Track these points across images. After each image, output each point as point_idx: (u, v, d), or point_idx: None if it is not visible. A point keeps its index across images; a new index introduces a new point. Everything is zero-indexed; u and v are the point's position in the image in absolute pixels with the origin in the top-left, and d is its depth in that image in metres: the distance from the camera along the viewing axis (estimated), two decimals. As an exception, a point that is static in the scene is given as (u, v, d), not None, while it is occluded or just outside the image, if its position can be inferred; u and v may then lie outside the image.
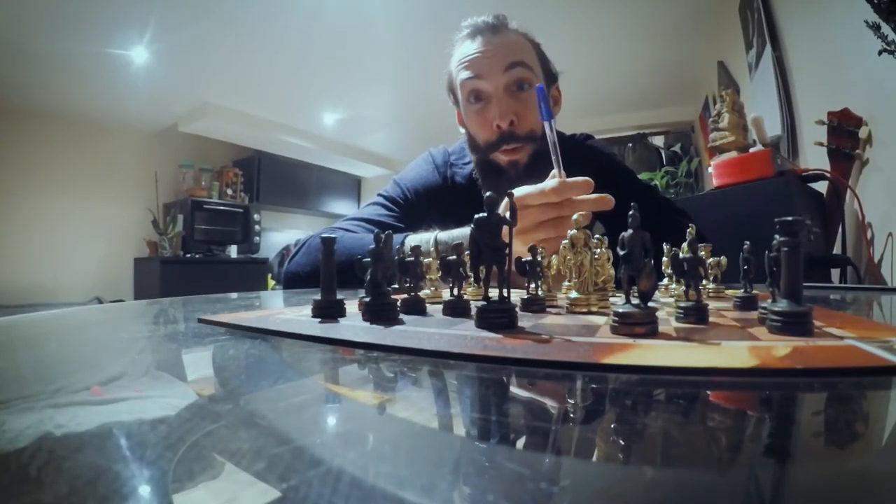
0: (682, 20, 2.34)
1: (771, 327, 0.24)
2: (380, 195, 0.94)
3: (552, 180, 0.58)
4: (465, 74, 0.79)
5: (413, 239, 0.69)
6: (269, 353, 0.26)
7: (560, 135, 0.92)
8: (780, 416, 0.16)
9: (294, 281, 0.82)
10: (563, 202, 0.57)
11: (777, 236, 0.25)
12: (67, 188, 3.21)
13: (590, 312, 0.34)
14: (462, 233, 0.66)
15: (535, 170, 0.77)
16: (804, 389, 0.18)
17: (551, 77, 0.86)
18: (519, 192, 0.58)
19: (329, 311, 0.33)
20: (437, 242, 0.67)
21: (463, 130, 0.88)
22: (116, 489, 0.10)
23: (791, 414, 0.16)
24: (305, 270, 0.80)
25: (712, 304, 0.36)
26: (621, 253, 0.27)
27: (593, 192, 0.61)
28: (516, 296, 0.33)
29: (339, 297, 0.34)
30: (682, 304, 0.29)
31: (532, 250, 0.39)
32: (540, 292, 0.39)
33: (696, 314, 0.28)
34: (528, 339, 0.24)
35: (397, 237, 0.66)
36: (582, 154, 0.92)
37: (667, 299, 0.44)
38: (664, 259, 0.46)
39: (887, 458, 0.12)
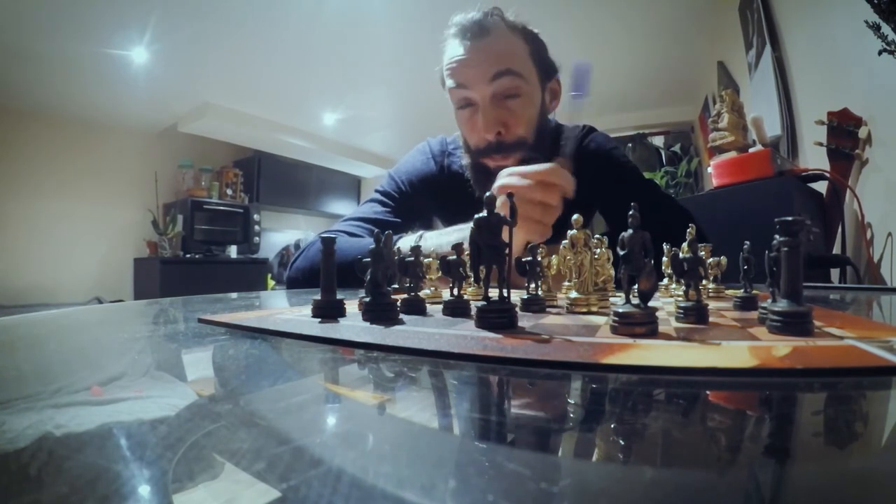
0: (682, 20, 2.34)
1: (771, 327, 0.24)
2: (376, 191, 0.94)
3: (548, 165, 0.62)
4: (451, 83, 0.77)
5: (401, 244, 0.69)
6: (269, 353, 0.26)
7: (563, 127, 0.92)
8: (780, 416, 0.16)
9: (296, 284, 0.83)
10: (549, 185, 0.59)
11: (777, 236, 0.25)
12: (67, 188, 3.21)
13: (590, 312, 0.34)
14: (448, 240, 0.65)
15: None
16: (804, 389, 0.18)
17: (548, 72, 0.82)
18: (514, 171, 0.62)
19: (329, 311, 0.33)
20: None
21: None
22: (116, 489, 0.10)
23: (791, 414, 0.16)
24: (305, 275, 0.81)
25: (712, 304, 0.36)
26: (621, 253, 0.27)
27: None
28: (516, 296, 0.33)
29: (339, 297, 0.34)
30: (682, 304, 0.29)
31: (532, 250, 0.39)
32: (540, 292, 0.39)
33: (696, 314, 0.28)
34: (528, 339, 0.24)
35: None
36: (586, 147, 0.90)
37: (667, 299, 0.44)
38: (664, 259, 0.46)
39: (887, 458, 0.12)
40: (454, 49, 0.76)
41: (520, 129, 0.77)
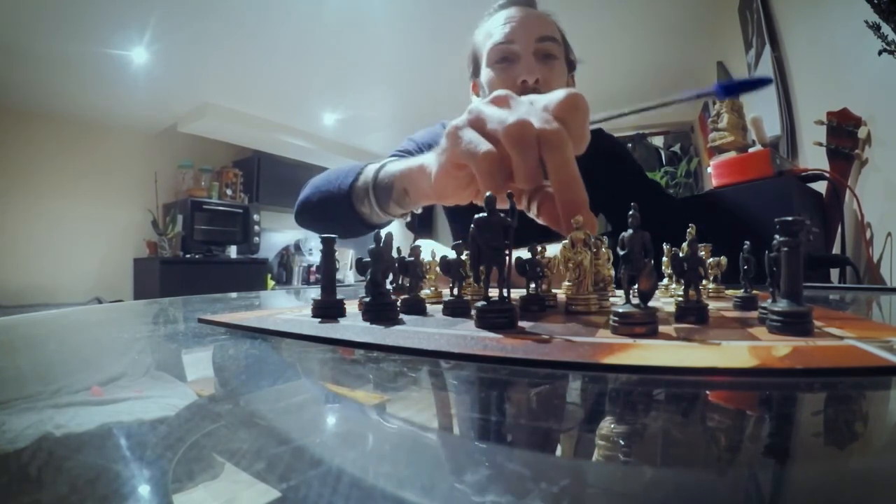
0: (681, 20, 2.34)
1: (771, 327, 0.24)
2: (396, 150, 0.95)
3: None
4: (498, 38, 0.82)
5: (370, 168, 0.66)
6: (269, 353, 0.26)
7: None
8: (780, 416, 0.16)
9: (305, 210, 0.81)
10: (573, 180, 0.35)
11: (777, 236, 0.25)
12: (67, 188, 3.21)
13: (590, 312, 0.34)
14: (407, 164, 0.58)
15: None
16: (804, 389, 0.18)
17: (570, 63, 0.89)
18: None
19: (329, 311, 0.33)
20: (378, 171, 0.63)
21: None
22: (116, 489, 0.10)
23: (791, 414, 0.16)
24: (314, 199, 0.77)
25: (712, 304, 0.36)
26: (621, 253, 0.27)
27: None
28: (516, 295, 0.33)
29: (338, 297, 0.34)
30: (683, 305, 0.29)
31: (532, 250, 0.39)
32: (540, 292, 0.39)
33: (696, 314, 0.28)
34: (528, 339, 0.24)
35: (357, 167, 0.66)
36: (594, 141, 0.91)
37: (667, 299, 0.44)
38: (664, 259, 0.46)
39: (887, 458, 0.12)
40: (500, 17, 0.83)
41: (553, 88, 0.80)
